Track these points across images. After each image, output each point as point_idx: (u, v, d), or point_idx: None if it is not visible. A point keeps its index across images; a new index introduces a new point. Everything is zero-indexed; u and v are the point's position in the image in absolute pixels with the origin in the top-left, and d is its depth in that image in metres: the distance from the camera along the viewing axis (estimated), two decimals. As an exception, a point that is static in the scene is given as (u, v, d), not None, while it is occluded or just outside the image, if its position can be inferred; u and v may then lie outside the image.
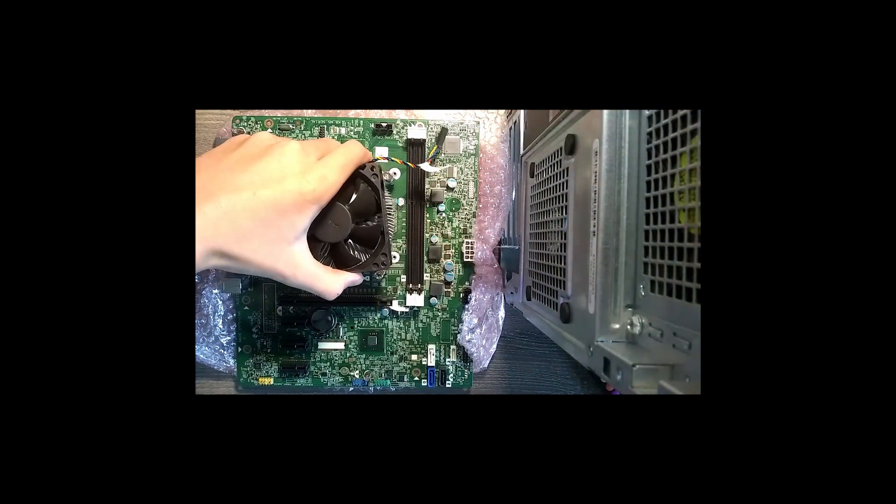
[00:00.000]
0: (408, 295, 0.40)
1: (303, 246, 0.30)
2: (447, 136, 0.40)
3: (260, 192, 0.27)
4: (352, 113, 0.40)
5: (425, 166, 0.38)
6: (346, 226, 0.32)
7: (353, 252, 0.34)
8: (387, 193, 0.36)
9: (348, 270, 0.34)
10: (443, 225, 0.41)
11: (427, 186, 0.40)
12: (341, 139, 0.40)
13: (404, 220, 0.40)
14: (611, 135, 0.21)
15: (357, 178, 0.33)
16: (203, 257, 0.27)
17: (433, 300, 0.41)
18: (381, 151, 0.40)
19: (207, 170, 0.28)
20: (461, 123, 0.40)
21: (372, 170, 0.33)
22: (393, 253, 0.40)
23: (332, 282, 0.32)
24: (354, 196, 0.33)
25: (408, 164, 0.39)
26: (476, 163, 0.41)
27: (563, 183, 0.26)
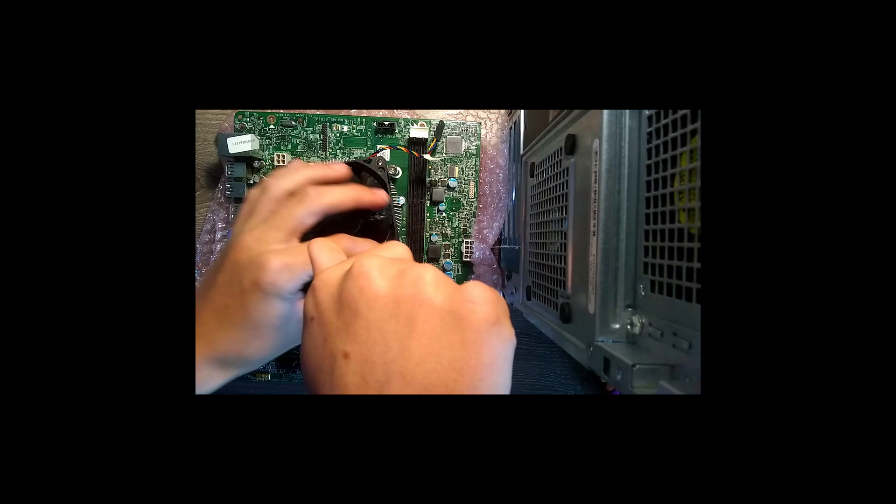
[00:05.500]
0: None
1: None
2: (450, 137, 0.41)
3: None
4: (354, 111, 0.40)
5: (426, 156, 0.39)
6: (354, 220, 0.32)
7: None
8: (392, 187, 0.37)
9: None
10: (443, 224, 0.41)
11: (428, 179, 0.40)
12: (344, 137, 0.40)
13: (405, 218, 0.40)
14: (611, 135, 0.21)
15: (364, 172, 0.34)
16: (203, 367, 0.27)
17: (433, 300, 0.41)
18: (384, 151, 0.40)
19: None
20: (463, 123, 0.40)
21: (378, 163, 0.34)
22: None
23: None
24: None
25: (411, 153, 0.39)
26: (477, 163, 0.41)
27: (563, 183, 0.26)
